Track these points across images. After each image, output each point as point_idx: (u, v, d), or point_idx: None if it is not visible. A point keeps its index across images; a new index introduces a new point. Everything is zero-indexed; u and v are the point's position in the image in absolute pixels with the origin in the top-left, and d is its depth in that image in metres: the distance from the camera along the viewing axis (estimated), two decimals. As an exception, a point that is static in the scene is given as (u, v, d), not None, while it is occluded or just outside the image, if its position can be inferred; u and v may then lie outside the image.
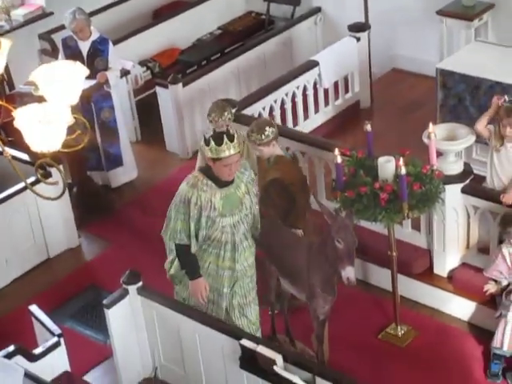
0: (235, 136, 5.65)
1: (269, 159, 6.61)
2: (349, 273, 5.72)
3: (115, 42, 8.96)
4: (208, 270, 5.98)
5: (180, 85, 9.06)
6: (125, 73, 9.27)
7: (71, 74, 4.21)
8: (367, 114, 9.33)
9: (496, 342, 6.32)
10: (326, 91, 9.17)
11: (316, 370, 5.57)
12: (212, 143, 5.59)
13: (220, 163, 5.63)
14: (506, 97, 6.72)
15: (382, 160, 6.17)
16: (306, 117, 9.05)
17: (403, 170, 5.87)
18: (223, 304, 6.08)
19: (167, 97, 9.11)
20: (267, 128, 6.48)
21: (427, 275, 7.17)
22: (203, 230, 5.80)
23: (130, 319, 6.35)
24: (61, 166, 4.58)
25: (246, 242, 5.98)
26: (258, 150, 6.56)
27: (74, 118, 4.14)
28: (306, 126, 8.97)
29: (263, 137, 6.45)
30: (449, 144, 6.70)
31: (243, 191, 5.84)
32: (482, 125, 6.81)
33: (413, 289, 7.14)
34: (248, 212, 5.89)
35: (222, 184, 5.75)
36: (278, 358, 5.57)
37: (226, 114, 6.90)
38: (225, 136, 5.59)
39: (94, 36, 8.42)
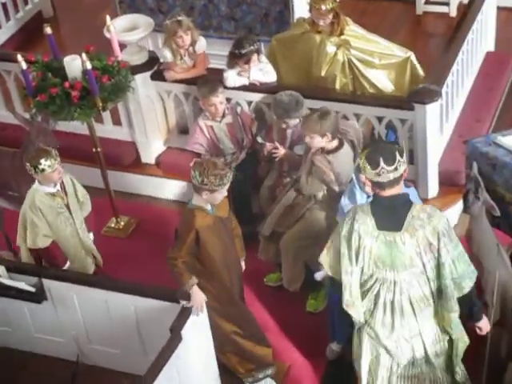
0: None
1: None
2: None
3: None
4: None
5: None
6: None
7: None
8: (52, 22, 9.21)
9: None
10: (4, 5, 8.95)
11: (42, 273, 5.68)
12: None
13: None
14: None
15: (67, 59, 6.23)
16: (-11, 34, 8.84)
17: (89, 65, 5.99)
18: None
19: None
20: None
21: (136, 166, 7.44)
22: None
23: None
24: None
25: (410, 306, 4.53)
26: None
27: None
28: (-9, 45, 8.79)
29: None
30: (128, 35, 6.89)
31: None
32: None
33: (125, 181, 7.38)
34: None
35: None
36: (1, 269, 5.62)
37: None
38: (397, 152, 4.23)
39: None
